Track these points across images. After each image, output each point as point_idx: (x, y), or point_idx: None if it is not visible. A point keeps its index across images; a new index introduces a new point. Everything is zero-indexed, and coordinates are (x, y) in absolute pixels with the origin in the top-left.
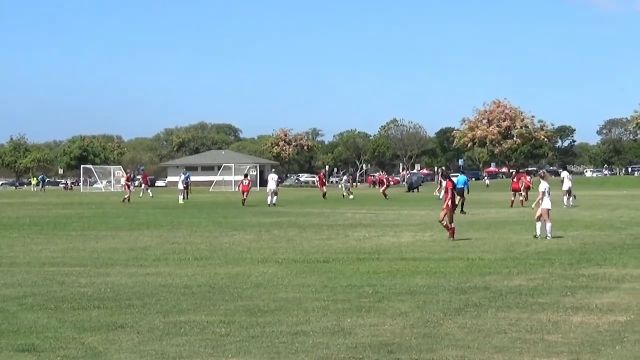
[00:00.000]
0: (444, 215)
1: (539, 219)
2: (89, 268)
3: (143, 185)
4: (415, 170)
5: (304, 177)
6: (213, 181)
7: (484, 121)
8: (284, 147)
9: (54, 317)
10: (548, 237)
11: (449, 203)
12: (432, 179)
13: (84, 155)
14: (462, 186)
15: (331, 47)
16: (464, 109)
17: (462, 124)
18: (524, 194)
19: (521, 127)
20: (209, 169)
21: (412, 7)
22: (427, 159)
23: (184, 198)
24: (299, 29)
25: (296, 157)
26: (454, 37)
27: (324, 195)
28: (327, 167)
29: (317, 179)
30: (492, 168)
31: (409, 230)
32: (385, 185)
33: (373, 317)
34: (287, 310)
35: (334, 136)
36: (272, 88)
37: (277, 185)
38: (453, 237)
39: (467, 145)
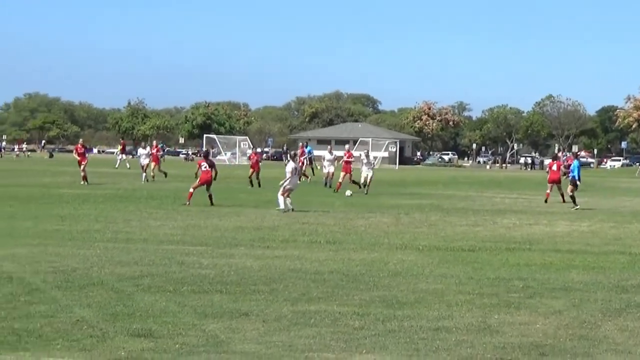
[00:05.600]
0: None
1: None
2: (211, 248)
3: (122, 155)
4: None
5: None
6: None
7: None
8: (427, 122)
9: (173, 300)
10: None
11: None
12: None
13: (208, 124)
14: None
15: (482, 14)
16: (629, 85)
17: (626, 102)
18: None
19: None
20: (343, 142)
21: None
22: (586, 139)
23: (308, 176)
24: None
25: (440, 133)
26: (619, 3)
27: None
28: (474, 145)
29: None
30: None
31: (565, 219)
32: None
33: (523, 315)
34: (428, 303)
35: (482, 111)
36: (415, 57)
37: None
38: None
39: (631, 125)
